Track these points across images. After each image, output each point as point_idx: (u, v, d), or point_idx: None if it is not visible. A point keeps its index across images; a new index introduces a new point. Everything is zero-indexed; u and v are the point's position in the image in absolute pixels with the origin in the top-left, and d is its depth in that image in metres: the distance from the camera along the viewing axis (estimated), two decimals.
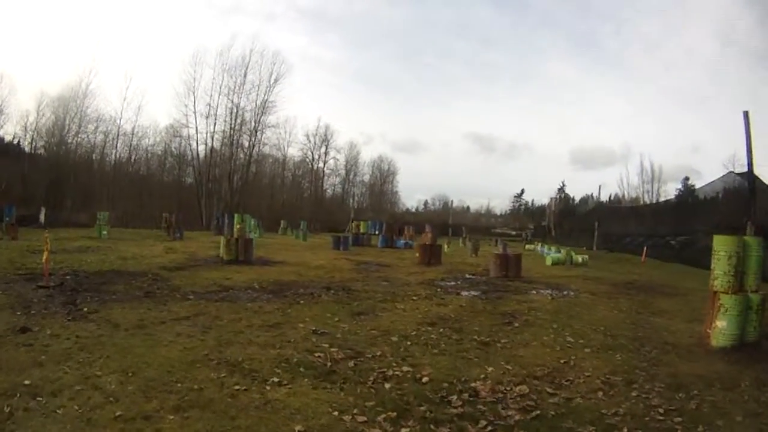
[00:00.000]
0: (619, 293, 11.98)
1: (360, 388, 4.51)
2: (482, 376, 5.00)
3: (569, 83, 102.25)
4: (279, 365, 4.97)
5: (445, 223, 59.56)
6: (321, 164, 67.35)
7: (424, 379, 4.80)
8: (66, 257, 13.40)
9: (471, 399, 4.38)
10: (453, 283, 12.65)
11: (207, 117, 48.96)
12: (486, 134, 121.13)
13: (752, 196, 19.33)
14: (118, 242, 20.25)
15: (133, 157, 50.31)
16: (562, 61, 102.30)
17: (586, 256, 22.41)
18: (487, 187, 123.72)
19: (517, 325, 7.62)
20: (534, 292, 11.49)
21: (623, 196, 62.67)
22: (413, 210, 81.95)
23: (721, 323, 6.60)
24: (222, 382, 4.38)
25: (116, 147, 48.07)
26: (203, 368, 4.71)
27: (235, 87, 49.45)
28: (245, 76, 49.64)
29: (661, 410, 4.29)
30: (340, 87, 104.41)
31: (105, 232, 23.26)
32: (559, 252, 23.31)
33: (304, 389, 4.36)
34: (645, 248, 25.74)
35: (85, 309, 7.09)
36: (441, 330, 7.03)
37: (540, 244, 33.10)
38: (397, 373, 4.98)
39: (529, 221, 75.92)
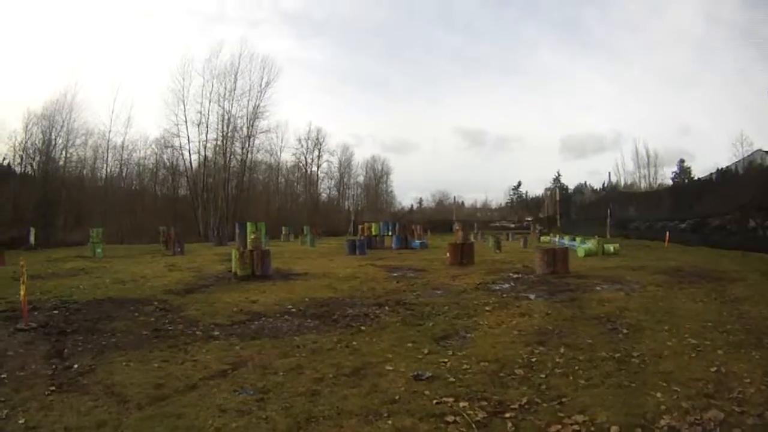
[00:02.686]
0: (680, 282, 10.83)
1: None
2: (662, 407, 3.83)
3: (555, 71, 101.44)
4: None
5: (448, 219, 57.97)
6: (315, 168, 65.87)
7: (613, 429, 3.45)
8: (55, 284, 11.19)
9: None
10: (507, 285, 10.95)
11: (198, 125, 47.48)
12: (475, 128, 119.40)
13: None
14: (114, 261, 17.99)
15: (124, 172, 48.56)
16: (547, 49, 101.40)
17: (617, 245, 21.05)
18: (481, 182, 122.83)
19: (625, 331, 6.39)
20: (599, 288, 10.20)
21: (618, 182, 61.30)
22: (408, 209, 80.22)
23: None
24: None
25: (107, 162, 46.20)
26: None
27: (225, 93, 47.95)
28: (235, 81, 48.17)
29: None
30: (328, 89, 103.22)
31: (99, 250, 20.93)
32: (584, 242, 22.05)
33: None
34: (668, 233, 24.82)
35: (76, 366, 4.95)
36: (557, 349, 5.53)
37: (557, 236, 31.19)
38: (574, 427, 3.52)
39: (527, 213, 74.47)
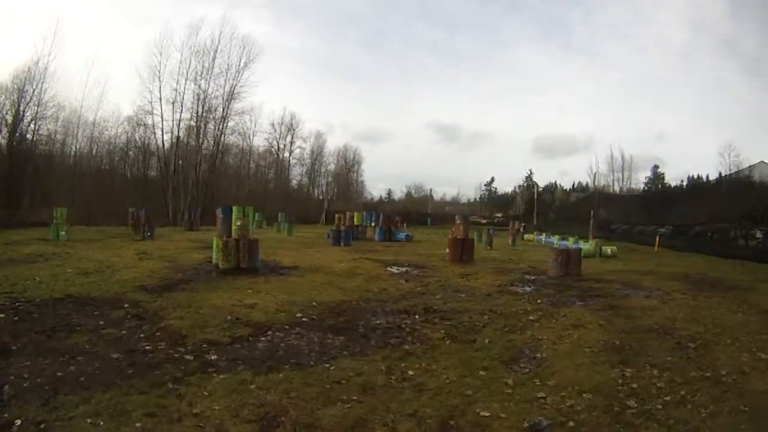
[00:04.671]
0: (701, 290, 10.12)
1: None
2: None
3: (533, 70, 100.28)
4: None
5: (421, 212, 56.71)
6: (287, 154, 63.24)
7: None
8: (8, 273, 9.04)
9: None
10: (530, 288, 9.83)
11: (173, 103, 44.23)
12: (449, 123, 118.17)
13: None
14: (79, 246, 15.59)
15: (94, 150, 45.13)
16: (527, 47, 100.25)
17: (615, 248, 20.54)
18: (452, 176, 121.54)
19: (692, 345, 5.78)
20: (625, 294, 9.44)
21: (593, 184, 61.05)
22: (378, 199, 78.63)
23: None
24: None
25: (77, 138, 42.89)
26: None
27: (203, 71, 44.82)
28: (214, 59, 45.10)
29: None
30: (303, 75, 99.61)
31: (63, 233, 18.33)
32: (578, 243, 21.36)
33: None
34: (657, 237, 24.48)
35: (18, 425, 3.11)
36: (645, 370, 4.86)
37: (544, 234, 29.97)
38: None
39: (497, 210, 73.78)
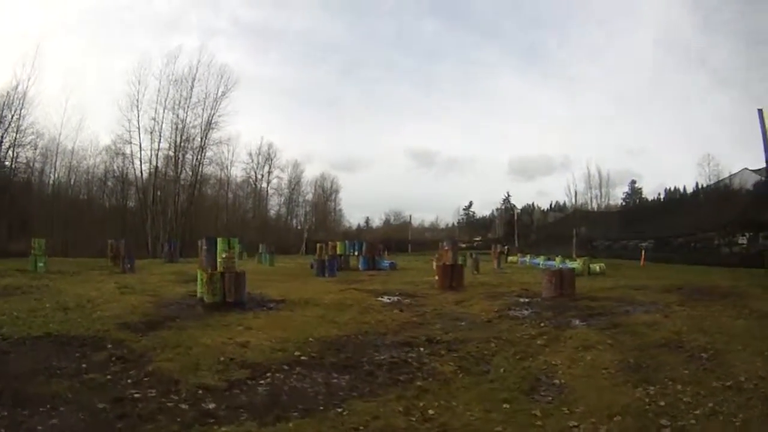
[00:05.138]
0: (698, 300, 10.30)
1: None
2: None
3: (508, 93, 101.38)
4: None
5: (401, 239, 56.37)
6: (264, 184, 62.71)
7: None
8: None
9: None
10: (528, 311, 9.59)
11: (151, 132, 44.02)
12: (425, 149, 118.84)
13: None
14: (58, 278, 14.98)
15: (72, 179, 44.52)
16: (502, 72, 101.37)
17: (603, 265, 20.83)
18: (430, 202, 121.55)
19: (705, 356, 5.75)
20: (625, 310, 9.31)
21: (569, 203, 61.63)
22: (355, 228, 78.17)
23: None
24: None
25: (55, 167, 42.30)
26: None
27: (180, 100, 44.82)
28: (192, 88, 45.14)
29: None
30: (280, 105, 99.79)
31: (42, 264, 17.78)
32: (564, 263, 21.54)
33: None
34: (643, 252, 24.73)
35: None
36: (668, 386, 4.74)
37: (528, 256, 29.87)
38: None
39: (476, 233, 73.90)
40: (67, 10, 73.95)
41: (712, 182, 31.71)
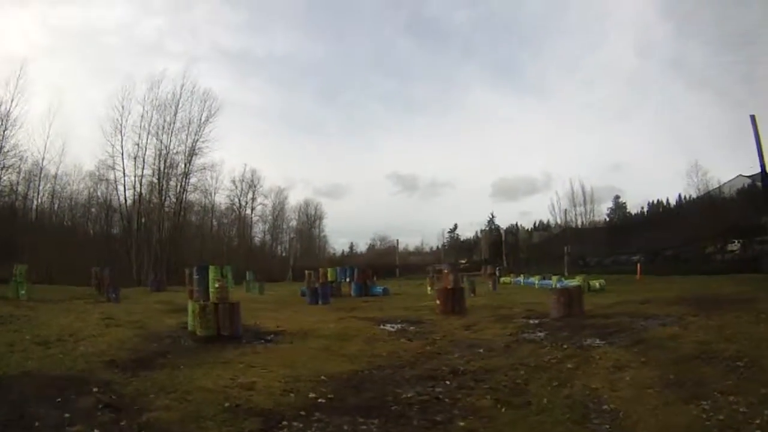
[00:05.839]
0: (709, 310, 9.90)
1: None
2: None
3: (488, 114, 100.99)
4: None
5: (387, 263, 55.50)
6: (249, 211, 61.49)
7: None
8: None
9: None
10: (542, 333, 9.12)
11: (135, 158, 43.16)
12: (408, 173, 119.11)
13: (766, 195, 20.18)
14: (40, 307, 13.97)
15: (56, 205, 43.24)
16: (481, 93, 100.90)
17: (603, 281, 20.52)
18: (413, 226, 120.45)
19: (741, 364, 5.57)
20: (641, 325, 8.98)
21: (553, 221, 61.50)
22: (340, 254, 77.38)
23: None
24: None
25: (38, 192, 40.98)
26: None
27: (164, 125, 44.08)
28: (175, 114, 44.48)
29: None
30: (262, 131, 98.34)
31: (23, 292, 16.71)
32: (561, 281, 21.61)
33: None
34: (639, 265, 24.62)
35: None
36: (719, 399, 4.53)
37: (522, 276, 29.28)
38: None
39: (461, 256, 73.28)
40: (51, 33, 72.84)
41: (701, 191, 31.77)
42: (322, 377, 5.92)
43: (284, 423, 4.27)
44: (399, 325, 11.12)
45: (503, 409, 4.71)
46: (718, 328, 7.94)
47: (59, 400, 4.79)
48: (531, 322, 10.72)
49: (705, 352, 6.32)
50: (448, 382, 5.74)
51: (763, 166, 19.31)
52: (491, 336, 9.06)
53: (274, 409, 4.63)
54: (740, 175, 23.05)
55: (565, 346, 7.53)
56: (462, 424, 4.31)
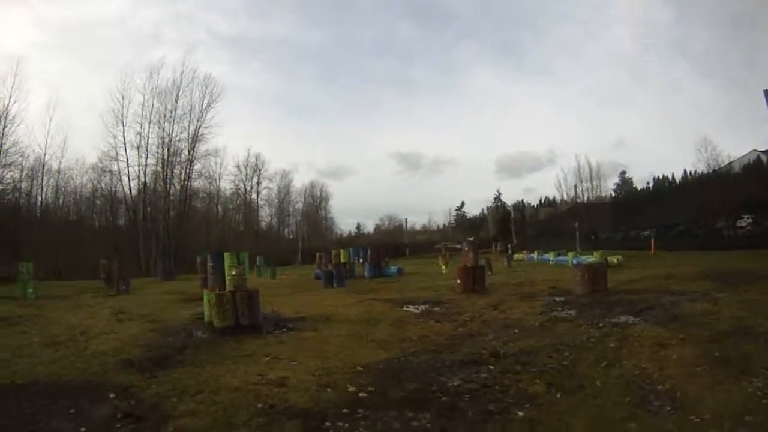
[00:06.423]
0: (733, 285, 10.32)
1: None
2: None
3: (490, 92, 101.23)
4: None
5: (395, 243, 55.15)
6: (254, 195, 61.18)
7: None
8: None
9: None
10: (573, 311, 8.81)
11: (138, 148, 43.04)
12: (410, 152, 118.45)
13: None
14: (48, 304, 13.62)
15: (61, 200, 43.13)
16: (482, 71, 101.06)
17: (620, 257, 20.54)
18: (419, 205, 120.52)
19: None
20: (672, 302, 8.95)
21: (561, 198, 60.86)
22: (347, 234, 77.12)
23: None
24: None
25: (42, 187, 40.74)
26: None
27: (166, 113, 43.73)
28: (176, 100, 44.18)
29: None
30: (264, 115, 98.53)
31: (31, 290, 16.30)
32: (578, 257, 21.54)
33: None
34: (653, 240, 24.24)
35: None
36: None
37: (536, 252, 28.72)
38: None
39: (469, 233, 72.97)
40: (48, 28, 72.28)
41: (711, 167, 31.16)
42: (358, 368, 5.40)
43: (327, 424, 3.76)
44: (423, 306, 10.65)
45: (559, 395, 4.28)
46: (748, 303, 8.01)
47: (72, 411, 4.29)
48: (557, 299, 10.48)
49: (742, 329, 6.31)
50: (491, 367, 5.28)
51: None
52: (521, 315, 8.70)
53: (313, 407, 4.13)
54: (754, 150, 22.46)
55: (600, 324, 7.30)
56: (521, 413, 3.85)
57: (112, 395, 4.71)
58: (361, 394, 4.47)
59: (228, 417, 3.98)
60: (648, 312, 8.09)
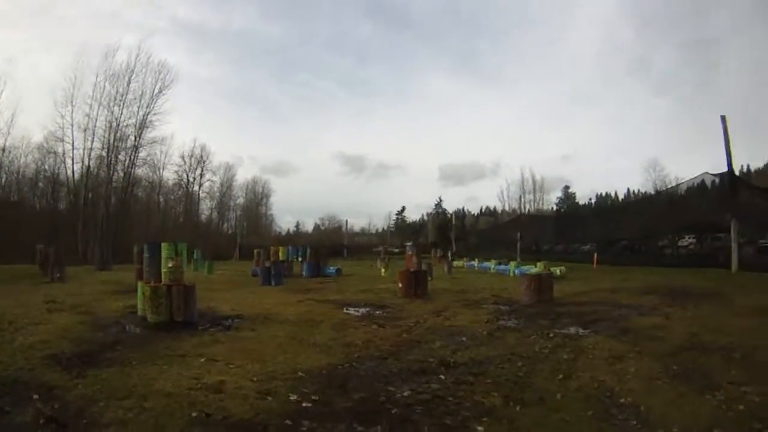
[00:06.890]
0: (681, 301, 10.34)
1: None
2: None
3: (443, 99, 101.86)
4: None
5: (334, 244, 54.72)
6: (196, 187, 59.35)
7: None
8: None
9: None
10: (521, 321, 8.74)
11: (85, 130, 41.32)
12: (356, 154, 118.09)
13: (733, 194, 20.34)
14: None
15: (3, 179, 41.04)
16: (435, 77, 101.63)
17: (563, 268, 20.44)
18: (362, 207, 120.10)
19: (738, 356, 5.64)
20: (621, 315, 9.01)
21: (502, 208, 62.19)
22: (286, 232, 76.05)
23: None
24: None
25: None
26: None
27: (116, 96, 41.98)
28: (128, 84, 42.53)
29: None
30: (213, 106, 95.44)
31: None
32: (520, 267, 20.94)
33: None
34: (596, 254, 24.99)
35: None
36: (735, 390, 4.47)
37: (476, 260, 28.92)
38: None
39: (408, 238, 73.38)
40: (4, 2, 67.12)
41: (658, 187, 32.67)
42: (299, 373, 5.08)
43: None
44: (364, 309, 10.40)
45: (518, 408, 4.11)
46: (699, 319, 8.11)
47: None
48: (502, 308, 10.40)
49: (698, 344, 6.31)
50: (442, 377, 5.04)
51: (730, 164, 19.91)
52: (466, 323, 8.50)
53: (253, 418, 3.78)
54: (707, 172, 23.58)
55: (551, 335, 7.19)
56: (480, 428, 3.65)
57: (35, 396, 4.28)
58: (304, 404, 4.15)
59: (159, 427, 3.58)
60: (598, 324, 8.10)
